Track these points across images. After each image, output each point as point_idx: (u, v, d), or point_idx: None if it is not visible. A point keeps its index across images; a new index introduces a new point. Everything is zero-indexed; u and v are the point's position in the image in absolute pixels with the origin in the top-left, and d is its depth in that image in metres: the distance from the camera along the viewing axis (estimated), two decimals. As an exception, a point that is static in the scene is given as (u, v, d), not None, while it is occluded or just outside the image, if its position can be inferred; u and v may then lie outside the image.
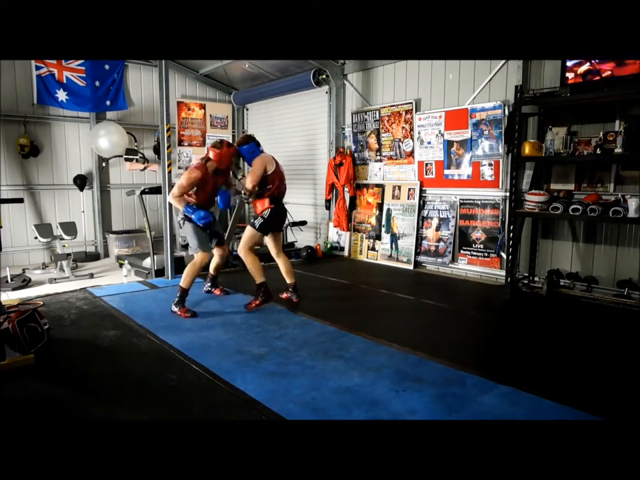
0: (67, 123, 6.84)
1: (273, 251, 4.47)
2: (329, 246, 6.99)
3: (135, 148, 7.19)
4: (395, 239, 6.24)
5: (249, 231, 4.27)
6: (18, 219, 6.45)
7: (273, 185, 4.21)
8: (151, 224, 5.89)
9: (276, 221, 4.36)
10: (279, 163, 4.35)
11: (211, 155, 4.27)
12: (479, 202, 5.38)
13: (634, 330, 3.63)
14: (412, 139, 5.97)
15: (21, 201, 5.03)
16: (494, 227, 5.25)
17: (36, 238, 5.99)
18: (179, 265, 5.65)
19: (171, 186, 4.93)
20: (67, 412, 2.45)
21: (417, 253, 5.99)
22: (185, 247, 6.73)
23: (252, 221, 4.33)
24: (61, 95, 6.58)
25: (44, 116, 6.60)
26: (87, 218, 7.04)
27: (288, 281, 4.45)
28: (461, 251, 5.58)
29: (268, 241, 4.44)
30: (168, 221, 5.48)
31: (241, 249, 4.24)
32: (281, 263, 4.45)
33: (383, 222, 6.40)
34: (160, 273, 5.51)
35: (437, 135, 5.68)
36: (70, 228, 6.11)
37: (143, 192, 5.88)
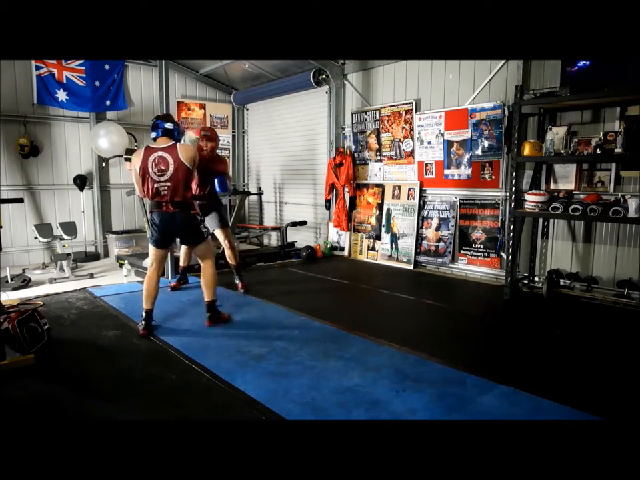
0: (67, 123, 6.83)
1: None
2: (329, 246, 6.99)
3: (135, 148, 7.17)
4: (394, 239, 6.24)
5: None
6: (18, 219, 6.44)
7: (141, 185, 3.55)
8: (151, 224, 5.89)
9: (160, 232, 3.55)
10: (165, 158, 3.43)
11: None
12: (479, 202, 5.38)
13: (634, 330, 3.63)
14: (412, 138, 5.97)
15: (21, 200, 5.01)
16: (494, 227, 5.25)
17: (36, 238, 5.98)
18: (178, 264, 5.64)
19: None
20: (66, 412, 2.45)
21: (416, 253, 5.99)
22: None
23: None
24: (61, 95, 6.58)
25: (44, 116, 6.60)
26: (86, 218, 7.03)
27: (207, 298, 3.77)
28: (461, 251, 5.58)
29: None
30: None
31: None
32: (204, 273, 3.78)
33: (383, 222, 6.40)
34: (160, 273, 5.50)
35: (437, 135, 5.68)
36: (70, 228, 6.10)
37: (143, 192, 5.88)
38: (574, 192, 4.51)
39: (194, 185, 4.23)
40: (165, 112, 5.33)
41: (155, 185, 3.47)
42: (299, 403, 2.49)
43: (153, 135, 3.56)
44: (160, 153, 3.46)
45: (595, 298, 4.33)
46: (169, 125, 3.54)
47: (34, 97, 6.41)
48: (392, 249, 6.26)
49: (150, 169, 3.46)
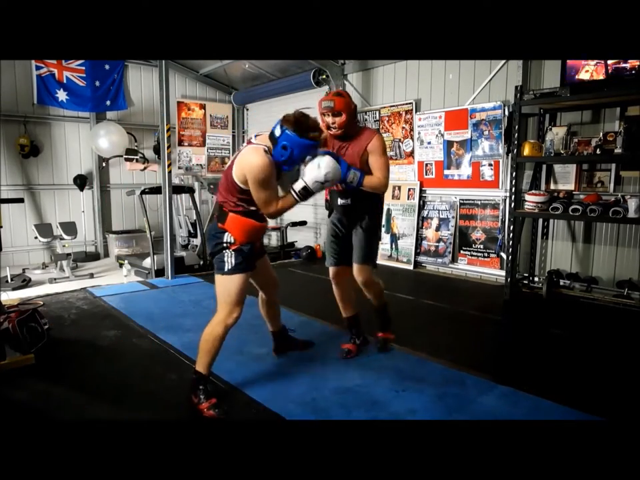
0: (67, 123, 6.84)
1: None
2: (328, 246, 6.98)
3: (135, 148, 7.19)
4: (394, 239, 6.24)
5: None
6: (18, 219, 6.44)
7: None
8: (151, 224, 5.89)
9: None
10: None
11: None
12: (479, 202, 5.38)
13: (634, 330, 3.63)
14: (412, 139, 5.97)
15: (21, 200, 5.03)
16: (494, 227, 5.25)
17: (36, 238, 5.99)
18: (178, 264, 5.66)
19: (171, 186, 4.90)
20: (66, 412, 2.45)
21: (416, 253, 5.99)
22: (185, 246, 6.74)
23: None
24: (61, 95, 6.58)
25: (44, 116, 6.60)
26: (86, 218, 7.03)
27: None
28: (461, 251, 5.58)
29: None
30: (168, 220, 5.48)
31: None
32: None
33: (383, 222, 6.38)
34: (160, 272, 5.51)
35: (436, 135, 5.68)
36: (70, 228, 6.11)
37: (143, 192, 5.89)
38: (574, 192, 4.51)
39: None
40: (165, 112, 5.33)
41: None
42: (298, 402, 2.49)
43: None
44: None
45: (595, 298, 4.33)
46: (276, 130, 2.36)
47: (34, 97, 6.41)
48: (392, 249, 6.26)
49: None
